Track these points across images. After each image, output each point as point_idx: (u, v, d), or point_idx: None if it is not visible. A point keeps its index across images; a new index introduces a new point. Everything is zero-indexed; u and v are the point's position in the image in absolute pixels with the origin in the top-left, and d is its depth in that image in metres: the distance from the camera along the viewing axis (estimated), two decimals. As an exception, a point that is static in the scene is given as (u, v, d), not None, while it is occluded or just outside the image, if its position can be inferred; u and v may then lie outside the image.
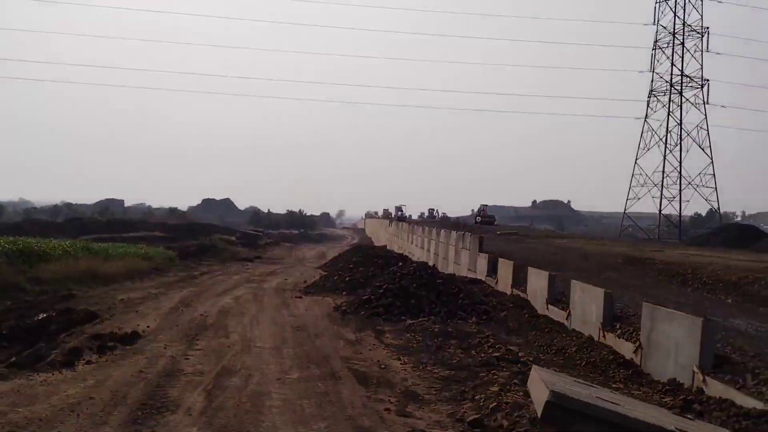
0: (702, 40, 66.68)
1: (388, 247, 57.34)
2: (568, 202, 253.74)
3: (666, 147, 67.48)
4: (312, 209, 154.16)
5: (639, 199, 69.89)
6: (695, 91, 67.16)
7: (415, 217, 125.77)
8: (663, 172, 66.89)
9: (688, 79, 67.51)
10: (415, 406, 7.36)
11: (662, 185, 66.81)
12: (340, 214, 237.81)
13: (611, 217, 70.72)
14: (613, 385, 10.02)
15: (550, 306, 16.79)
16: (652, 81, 69.48)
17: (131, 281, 21.56)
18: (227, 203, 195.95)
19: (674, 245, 48.28)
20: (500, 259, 23.35)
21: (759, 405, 8.37)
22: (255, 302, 18.17)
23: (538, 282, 18.14)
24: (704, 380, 9.70)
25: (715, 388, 9.39)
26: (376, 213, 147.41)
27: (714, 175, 66.13)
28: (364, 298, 16.54)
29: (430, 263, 35.47)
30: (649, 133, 69.01)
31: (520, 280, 20.42)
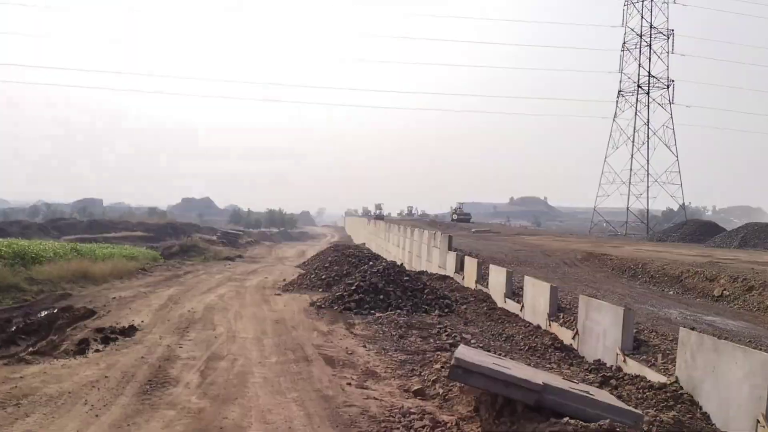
0: (668, 41, 69.22)
1: (366, 245, 58.86)
2: (545, 198, 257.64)
3: (634, 145, 69.95)
4: (292, 208, 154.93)
5: (608, 196, 72.31)
6: (661, 91, 69.70)
7: (394, 215, 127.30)
8: (630, 170, 69.39)
9: (655, 79, 69.98)
10: (372, 381, 8.99)
11: (630, 182, 69.33)
12: (321, 212, 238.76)
13: (587, 213, 72.99)
14: (547, 366, 11.70)
15: (507, 299, 18.51)
16: (620, 82, 71.95)
17: (120, 281, 22.87)
18: (207, 202, 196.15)
19: (638, 240, 50.57)
20: (466, 257, 25.05)
21: (663, 379, 10.14)
22: (237, 299, 19.63)
23: (497, 278, 19.87)
24: (624, 360, 11.48)
25: (632, 367, 11.17)
26: (356, 211, 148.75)
27: (679, 172, 68.73)
28: (338, 294, 18.11)
29: (406, 261, 37.23)
30: (618, 132, 71.49)
31: (483, 276, 22.15)
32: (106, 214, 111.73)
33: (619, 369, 11.35)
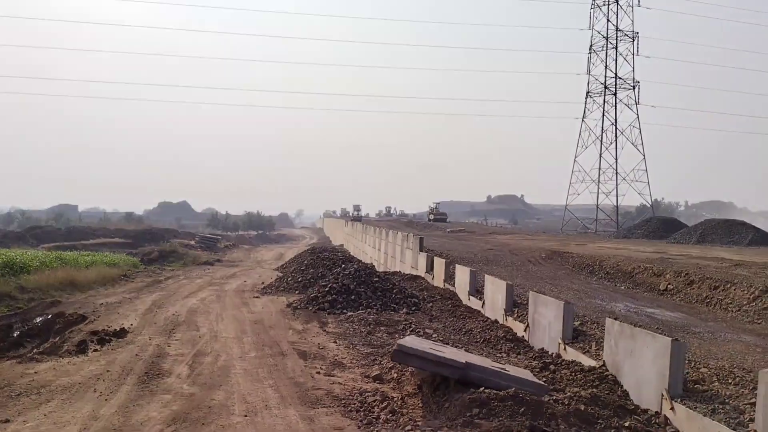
0: (633, 43, 71.59)
1: (344, 247, 60.07)
2: (522, 196, 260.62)
3: (602, 145, 72.22)
4: (271, 209, 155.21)
5: (579, 194, 74.52)
6: (627, 92, 72.09)
7: (373, 215, 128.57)
8: (599, 168, 71.66)
9: (621, 80, 72.32)
10: (338, 370, 10.37)
11: (599, 181, 71.60)
12: (299, 213, 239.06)
13: (563, 210, 75.18)
14: (498, 355, 13.16)
15: (471, 297, 19.97)
16: (588, 83, 74.20)
17: (104, 288, 23.92)
18: (184, 206, 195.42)
19: (605, 238, 52.57)
20: (435, 258, 26.46)
21: (593, 363, 11.66)
22: (218, 302, 20.85)
23: (462, 277, 21.33)
24: (564, 348, 13.00)
25: (570, 354, 12.67)
26: (334, 212, 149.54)
27: (646, 170, 71.10)
28: (312, 295, 19.44)
29: (381, 261, 38.62)
30: (587, 132, 73.72)
31: (451, 275, 23.59)
32: (83, 221, 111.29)
33: (559, 356, 12.86)
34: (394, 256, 36.08)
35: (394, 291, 20.05)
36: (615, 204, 72.00)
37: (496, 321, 16.91)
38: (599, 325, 14.80)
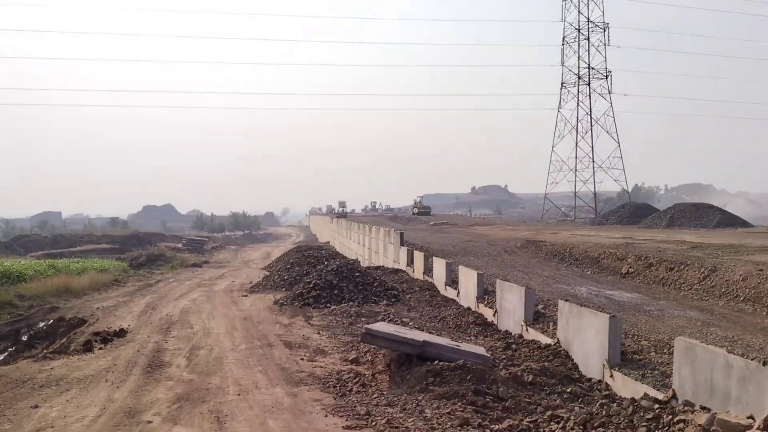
0: (604, 34, 73.19)
1: (331, 243, 61.12)
2: (506, 186, 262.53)
3: (578, 134, 73.84)
4: (256, 209, 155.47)
5: (557, 183, 76.18)
6: (600, 82, 73.66)
7: (359, 211, 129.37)
8: (576, 157, 73.29)
9: (594, 71, 73.91)
10: (320, 357, 11.65)
11: (576, 170, 73.25)
12: (285, 211, 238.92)
13: (548, 198, 76.73)
14: (467, 338, 14.48)
15: (447, 287, 21.29)
16: (562, 74, 75.71)
17: (98, 293, 24.99)
18: (169, 209, 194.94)
19: (581, 225, 54.28)
20: (415, 251, 27.75)
21: (549, 341, 13.03)
22: (209, 302, 22.01)
23: (440, 268, 22.65)
24: (526, 329, 14.36)
25: (531, 334, 14.04)
26: (320, 209, 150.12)
27: (621, 157, 72.78)
28: (298, 292, 20.67)
29: (366, 257, 39.85)
30: (563, 122, 75.30)
31: (430, 267, 24.89)
32: (67, 227, 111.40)
33: (521, 336, 14.23)
34: (377, 251, 37.30)
35: (375, 284, 21.32)
36: (596, 191, 73.65)
37: (468, 308, 18.24)
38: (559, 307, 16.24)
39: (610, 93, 72.60)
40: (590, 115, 73.37)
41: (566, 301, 13.19)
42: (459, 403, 7.04)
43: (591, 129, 73.18)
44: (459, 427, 6.30)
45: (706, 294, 17.54)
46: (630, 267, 22.21)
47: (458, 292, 19.97)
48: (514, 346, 13.37)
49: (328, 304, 19.50)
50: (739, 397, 7.68)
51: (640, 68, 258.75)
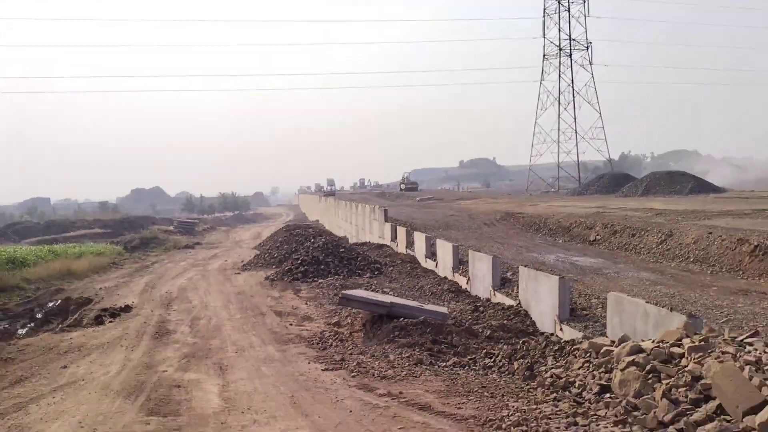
0: (584, 5, 74.16)
1: (320, 222, 62.46)
2: (494, 159, 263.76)
3: (560, 105, 75.18)
4: (246, 189, 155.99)
5: (541, 155, 77.73)
6: (582, 53, 74.82)
7: (347, 188, 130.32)
8: (558, 129, 74.77)
9: (575, 42, 75.00)
10: (307, 322, 13.17)
11: (559, 141, 74.79)
12: (275, 191, 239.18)
13: (536, 169, 78.21)
14: (441, 303, 15.98)
15: (427, 259, 22.79)
16: (544, 46, 76.73)
17: (98, 275, 26.35)
18: (157, 191, 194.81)
19: (563, 196, 55.94)
20: (398, 227, 29.19)
21: (512, 303, 14.56)
22: (204, 280, 23.44)
23: (420, 242, 24.14)
24: (494, 294, 15.89)
25: (498, 298, 15.58)
26: (309, 188, 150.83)
27: (603, 127, 74.30)
28: (287, 268, 22.12)
29: (354, 233, 41.31)
30: (546, 94, 76.58)
31: (412, 241, 26.37)
32: (57, 213, 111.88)
33: (489, 300, 15.77)
34: (363, 228, 38.71)
35: (359, 259, 22.80)
36: (586, 161, 75.19)
37: (445, 278, 19.77)
38: (527, 273, 17.76)
39: (591, 64, 73.85)
40: (572, 87, 74.68)
41: (525, 266, 14.70)
42: (418, 350, 8.55)
43: (573, 100, 74.55)
44: (414, 365, 7.82)
45: (661, 257, 19.14)
46: (597, 234, 23.78)
47: (437, 264, 21.44)
48: (481, 308, 14.88)
49: (316, 278, 20.95)
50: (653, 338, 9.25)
51: (622, 38, 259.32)
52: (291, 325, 12.84)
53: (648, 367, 5.46)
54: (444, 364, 7.92)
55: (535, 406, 5.86)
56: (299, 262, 22.15)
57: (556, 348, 7.20)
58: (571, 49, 75.16)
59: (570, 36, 74.94)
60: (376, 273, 21.75)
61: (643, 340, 6.75)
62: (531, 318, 13.46)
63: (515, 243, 24.80)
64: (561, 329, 12.05)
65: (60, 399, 8.49)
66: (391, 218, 32.77)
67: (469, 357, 8.12)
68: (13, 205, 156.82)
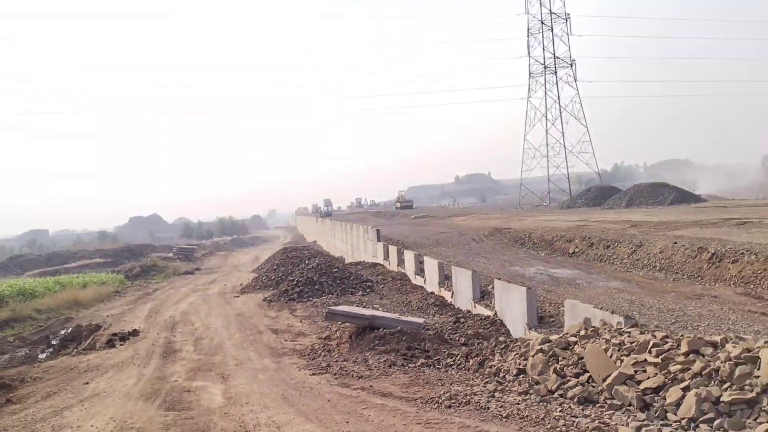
0: (566, 24, 76.39)
1: (317, 242, 63.64)
2: (489, 173, 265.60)
3: (548, 121, 77.01)
4: (242, 213, 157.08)
5: (531, 170, 79.40)
6: (566, 70, 76.87)
7: (344, 208, 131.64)
8: (547, 144, 76.51)
9: (560, 60, 77.10)
10: (301, 338, 14.48)
11: (548, 156, 76.48)
12: (272, 213, 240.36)
13: (530, 183, 79.72)
14: (425, 317, 17.24)
15: (417, 276, 24.06)
16: (529, 65, 78.86)
17: (103, 303, 27.58)
18: (155, 219, 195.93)
19: (552, 210, 57.37)
20: (390, 246, 30.46)
21: (490, 313, 15.85)
22: (205, 304, 24.69)
23: (410, 260, 25.41)
24: (474, 306, 17.18)
25: (478, 309, 16.86)
26: (306, 209, 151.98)
27: (590, 141, 76.10)
28: (283, 289, 23.40)
29: (349, 253, 42.59)
30: (533, 111, 78.50)
31: (403, 260, 27.65)
32: (57, 244, 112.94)
33: (469, 311, 17.06)
34: (358, 247, 39.95)
35: (351, 278, 24.11)
36: (578, 174, 76.83)
37: (432, 293, 21.03)
38: (508, 286, 19.06)
39: (575, 80, 75.91)
40: (558, 103, 76.58)
41: (499, 279, 16.02)
42: (394, 355, 9.87)
43: (560, 116, 76.42)
44: (389, 367, 9.16)
45: (631, 266, 20.47)
46: (576, 247, 25.13)
47: (425, 280, 22.71)
48: (462, 320, 16.12)
49: (311, 298, 22.21)
50: (601, 338, 10.56)
51: (605, 54, 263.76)
52: (286, 340, 14.14)
53: (550, 353, 6.96)
54: (413, 365, 9.25)
55: (469, 388, 7.29)
56: (295, 283, 23.44)
57: (503, 346, 8.50)
58: (555, 67, 77.24)
59: (554, 54, 77.08)
60: (367, 291, 23.00)
61: (555, 334, 8.18)
62: (505, 326, 14.75)
63: (500, 257, 26.07)
64: (529, 334, 13.35)
65: (89, 405, 9.92)
66: (384, 237, 34.04)
67: (435, 359, 9.41)
68: (13, 237, 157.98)
